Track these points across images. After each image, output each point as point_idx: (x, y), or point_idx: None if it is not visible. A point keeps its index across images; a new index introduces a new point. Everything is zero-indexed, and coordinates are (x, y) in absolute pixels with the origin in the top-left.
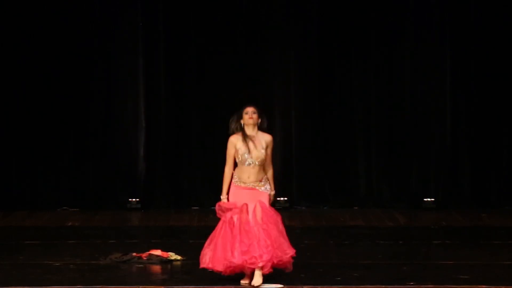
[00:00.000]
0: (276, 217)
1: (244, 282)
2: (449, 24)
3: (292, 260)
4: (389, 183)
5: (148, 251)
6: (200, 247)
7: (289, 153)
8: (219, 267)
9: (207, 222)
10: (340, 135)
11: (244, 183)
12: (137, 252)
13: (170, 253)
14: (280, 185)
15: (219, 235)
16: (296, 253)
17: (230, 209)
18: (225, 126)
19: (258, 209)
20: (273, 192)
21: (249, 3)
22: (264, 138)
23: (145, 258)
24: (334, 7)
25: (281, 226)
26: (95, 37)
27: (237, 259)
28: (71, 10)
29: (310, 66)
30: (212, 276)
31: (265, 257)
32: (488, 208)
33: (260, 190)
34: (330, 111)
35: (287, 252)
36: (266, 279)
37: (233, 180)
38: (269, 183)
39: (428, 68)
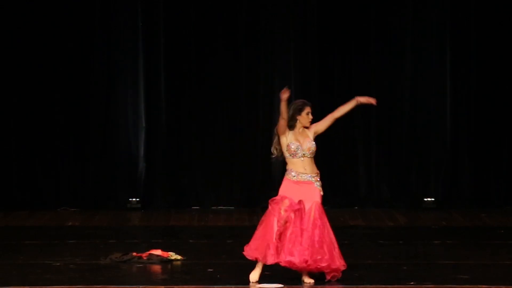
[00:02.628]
0: (323, 222)
1: (252, 276)
2: (449, 22)
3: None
4: (389, 183)
5: (148, 251)
6: (200, 247)
7: None
8: (263, 255)
9: (207, 222)
10: (340, 135)
11: (301, 174)
12: (137, 252)
13: (170, 253)
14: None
15: (267, 225)
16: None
17: (288, 206)
18: (225, 125)
19: (314, 211)
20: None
21: (249, 3)
22: (310, 130)
23: (145, 258)
24: (334, 6)
25: (327, 232)
26: (95, 37)
27: (298, 261)
28: (71, 9)
29: (310, 65)
30: (212, 276)
31: (325, 260)
32: (488, 208)
33: (316, 185)
34: (330, 111)
35: (323, 261)
36: (267, 278)
37: (287, 176)
38: (340, 111)
39: (428, 67)
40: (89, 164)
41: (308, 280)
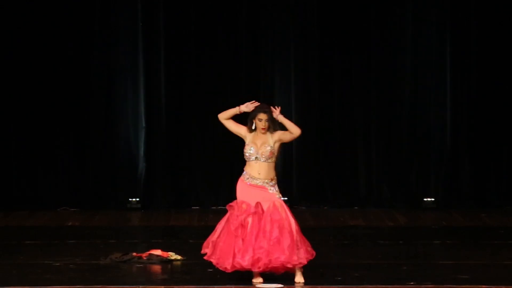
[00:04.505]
0: (289, 220)
1: (255, 281)
2: (449, 22)
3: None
4: (389, 183)
5: (148, 251)
6: (200, 247)
7: (289, 153)
8: (225, 264)
9: (207, 222)
10: (340, 135)
11: (254, 178)
12: (137, 252)
13: (170, 253)
14: (280, 185)
15: (228, 232)
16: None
17: (245, 210)
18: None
19: (272, 210)
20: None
21: (249, 3)
22: (273, 136)
23: (145, 258)
24: (334, 6)
25: (294, 229)
26: (95, 37)
27: (246, 263)
28: (71, 9)
29: (310, 65)
30: (212, 276)
31: (283, 258)
32: (488, 208)
33: (270, 191)
34: (330, 111)
35: (294, 259)
36: (267, 278)
37: (242, 177)
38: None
39: (428, 67)
40: (89, 164)
41: (299, 280)
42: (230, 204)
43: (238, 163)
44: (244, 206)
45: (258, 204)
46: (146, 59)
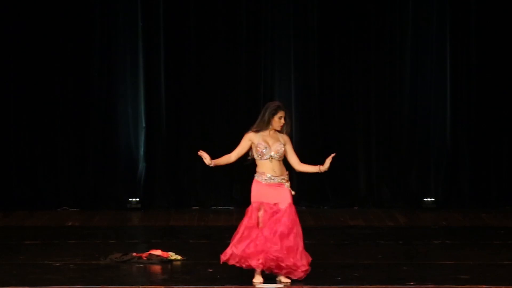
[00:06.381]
0: (296, 226)
1: (256, 281)
2: (449, 23)
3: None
4: (389, 183)
5: (148, 251)
6: (200, 247)
7: None
8: (252, 263)
9: (207, 222)
10: (340, 135)
11: (271, 177)
12: (137, 252)
13: (170, 253)
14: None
15: (248, 234)
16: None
17: (258, 209)
18: (225, 125)
19: (284, 213)
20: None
21: (250, 3)
22: (282, 136)
23: (145, 258)
24: (334, 6)
25: (298, 235)
26: (95, 38)
27: (255, 264)
28: (71, 9)
29: (310, 65)
30: (212, 276)
31: (292, 261)
32: (488, 208)
33: (286, 186)
34: (330, 111)
35: (304, 264)
36: (267, 278)
37: (258, 178)
38: (304, 168)
39: (428, 67)
40: (89, 164)
41: (285, 280)
42: (247, 209)
43: (238, 163)
44: (261, 212)
45: (276, 204)
46: (146, 59)
